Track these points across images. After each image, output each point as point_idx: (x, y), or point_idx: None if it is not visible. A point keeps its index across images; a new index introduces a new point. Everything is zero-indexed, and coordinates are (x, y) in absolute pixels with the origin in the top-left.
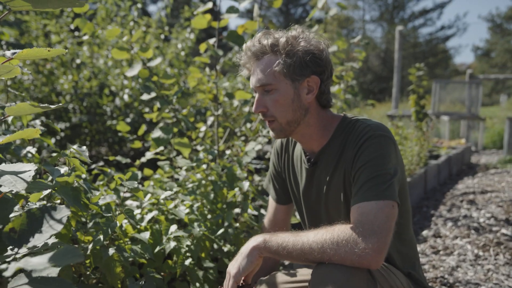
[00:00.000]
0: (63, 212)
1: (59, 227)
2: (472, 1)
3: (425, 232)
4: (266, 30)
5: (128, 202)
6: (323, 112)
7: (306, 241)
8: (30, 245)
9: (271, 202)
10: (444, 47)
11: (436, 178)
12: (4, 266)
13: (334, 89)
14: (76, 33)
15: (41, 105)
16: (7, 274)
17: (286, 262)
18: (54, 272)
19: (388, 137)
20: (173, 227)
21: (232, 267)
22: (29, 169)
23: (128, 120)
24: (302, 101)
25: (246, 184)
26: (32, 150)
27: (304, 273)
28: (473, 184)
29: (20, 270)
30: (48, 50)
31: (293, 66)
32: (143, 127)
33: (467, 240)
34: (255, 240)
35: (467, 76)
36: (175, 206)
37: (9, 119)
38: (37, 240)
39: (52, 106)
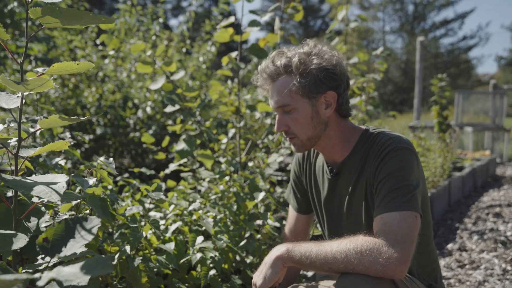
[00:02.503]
0: (94, 222)
1: (90, 237)
2: (495, 11)
3: (450, 246)
4: (279, 50)
5: (152, 213)
6: (344, 122)
7: (329, 250)
8: (62, 254)
9: (292, 212)
10: (467, 57)
11: (460, 190)
12: (37, 275)
13: (355, 100)
14: (100, 47)
15: (71, 117)
16: (40, 283)
17: (309, 274)
18: (84, 281)
19: (410, 149)
20: (200, 238)
21: (258, 278)
22: (61, 180)
23: (151, 132)
24: (321, 117)
25: (261, 194)
26: (62, 161)
27: (326, 285)
28: (499, 196)
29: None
30: (77, 64)
31: (308, 85)
32: (167, 139)
33: (494, 254)
34: (278, 250)
35: (490, 87)
36: (200, 218)
37: (38, 132)
38: (69, 250)
39: (82, 118)
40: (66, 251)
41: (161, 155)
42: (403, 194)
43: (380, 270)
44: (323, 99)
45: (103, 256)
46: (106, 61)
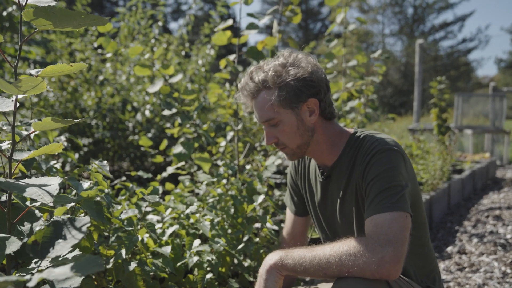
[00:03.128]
0: (84, 221)
1: (80, 236)
2: (494, 13)
3: (449, 248)
4: (257, 65)
5: (149, 217)
6: (330, 125)
7: (323, 255)
8: (52, 255)
9: (290, 215)
10: (466, 60)
11: (460, 193)
12: (28, 277)
13: (354, 103)
14: (100, 51)
15: (65, 120)
16: (30, 285)
17: (307, 278)
18: (76, 283)
19: (396, 150)
20: (197, 242)
21: None
22: (54, 183)
23: (150, 135)
24: (307, 124)
25: (260, 197)
26: (57, 165)
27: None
28: (499, 199)
29: (44, 282)
30: (71, 65)
31: (288, 97)
32: (165, 142)
33: (493, 257)
34: (271, 259)
35: (490, 89)
36: (197, 221)
37: (32, 136)
38: (59, 251)
39: (76, 120)
40: (56, 252)
41: (159, 158)
42: (391, 195)
43: (375, 270)
44: (305, 107)
45: (94, 255)
46: (108, 65)
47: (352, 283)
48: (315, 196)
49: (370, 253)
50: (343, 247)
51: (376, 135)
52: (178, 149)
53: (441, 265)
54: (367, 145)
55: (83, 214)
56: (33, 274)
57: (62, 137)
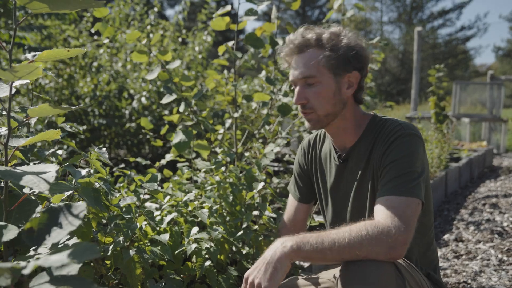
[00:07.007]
0: (80, 208)
1: (77, 223)
2: (493, 1)
3: (446, 236)
4: (308, 25)
5: (148, 204)
6: (357, 108)
7: (342, 240)
8: (48, 243)
9: (292, 202)
10: (464, 48)
11: (457, 181)
12: (23, 263)
13: None
14: (95, 37)
15: (62, 106)
16: (25, 272)
17: (306, 265)
18: (74, 270)
19: (418, 136)
20: (195, 229)
21: (262, 280)
22: (51, 170)
23: None
24: (342, 96)
25: (260, 185)
26: (59, 151)
27: (325, 277)
28: (496, 187)
29: (42, 270)
30: (68, 51)
31: (337, 60)
32: (166, 127)
33: (490, 245)
34: (285, 246)
35: (488, 77)
36: (195, 208)
37: (32, 122)
38: (55, 238)
39: (73, 107)
40: (52, 239)
41: (159, 142)
42: (409, 180)
43: (388, 253)
44: (347, 78)
45: (91, 242)
46: (101, 50)
47: (362, 266)
48: (328, 181)
49: (387, 236)
50: (362, 231)
51: (397, 120)
52: (177, 138)
53: (438, 252)
54: (390, 128)
55: (80, 202)
56: (29, 261)
57: (66, 124)
